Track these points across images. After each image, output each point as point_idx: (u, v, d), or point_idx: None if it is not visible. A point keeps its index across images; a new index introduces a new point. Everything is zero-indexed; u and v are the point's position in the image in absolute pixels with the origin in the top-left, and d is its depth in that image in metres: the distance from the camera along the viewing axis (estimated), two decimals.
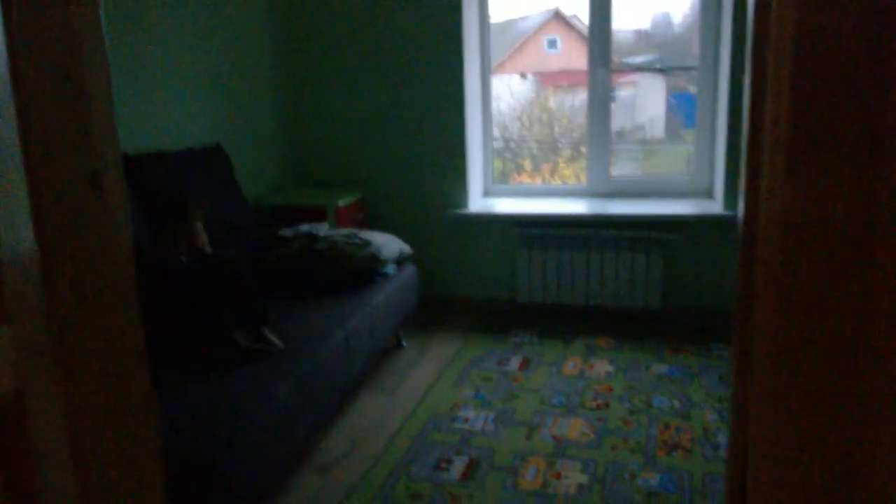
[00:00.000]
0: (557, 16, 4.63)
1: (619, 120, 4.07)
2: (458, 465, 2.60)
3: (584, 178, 4.33)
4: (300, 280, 3.18)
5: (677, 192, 4.05)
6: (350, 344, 2.81)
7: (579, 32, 4.66)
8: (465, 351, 3.63)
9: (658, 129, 4.59)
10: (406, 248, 3.59)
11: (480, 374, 3.34)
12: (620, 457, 2.61)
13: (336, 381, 2.69)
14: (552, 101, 4.72)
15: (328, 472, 2.59)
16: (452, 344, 3.74)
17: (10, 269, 0.73)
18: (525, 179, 4.56)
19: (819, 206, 0.76)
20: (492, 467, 2.57)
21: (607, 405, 2.99)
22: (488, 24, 4.17)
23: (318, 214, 3.76)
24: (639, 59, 4.37)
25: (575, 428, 2.82)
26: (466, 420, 2.92)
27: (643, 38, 4.38)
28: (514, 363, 3.46)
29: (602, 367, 3.37)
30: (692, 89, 4.27)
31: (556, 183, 4.48)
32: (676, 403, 2.99)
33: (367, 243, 3.27)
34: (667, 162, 4.61)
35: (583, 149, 4.39)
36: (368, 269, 3.25)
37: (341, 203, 3.87)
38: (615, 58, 4.00)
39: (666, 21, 4.35)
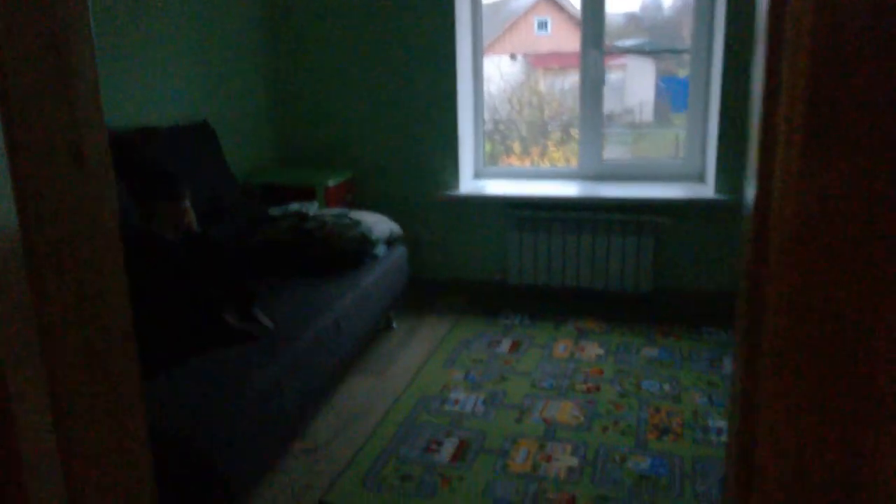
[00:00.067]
0: None
1: (608, 103, 4.05)
2: (448, 446, 2.58)
3: (573, 161, 4.30)
4: (289, 260, 3.14)
5: (668, 176, 4.03)
6: (340, 325, 2.78)
7: (570, 14, 4.62)
8: (456, 333, 3.61)
9: (647, 113, 4.57)
10: (396, 228, 3.56)
11: (471, 356, 3.33)
12: (611, 440, 2.61)
13: (325, 363, 2.67)
14: (542, 84, 4.68)
15: (317, 454, 2.57)
16: (442, 326, 3.72)
17: None
18: (514, 162, 4.53)
19: (835, 200, 0.74)
20: (482, 449, 2.56)
21: (598, 388, 2.99)
22: (480, 3, 4.12)
23: (307, 193, 3.72)
24: (628, 43, 4.33)
25: (565, 411, 2.82)
26: (456, 402, 2.90)
27: (633, 21, 4.34)
28: (505, 345, 3.44)
29: (593, 349, 3.37)
30: (681, 73, 4.24)
31: (546, 166, 4.45)
32: (667, 387, 2.99)
33: (358, 223, 3.24)
34: (655, 146, 4.60)
35: (572, 131, 4.36)
36: (359, 250, 3.22)
37: (331, 182, 3.82)
38: (605, 41, 3.96)
39: (656, 4, 4.32)
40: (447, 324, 3.74)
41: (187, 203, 2.54)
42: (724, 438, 2.59)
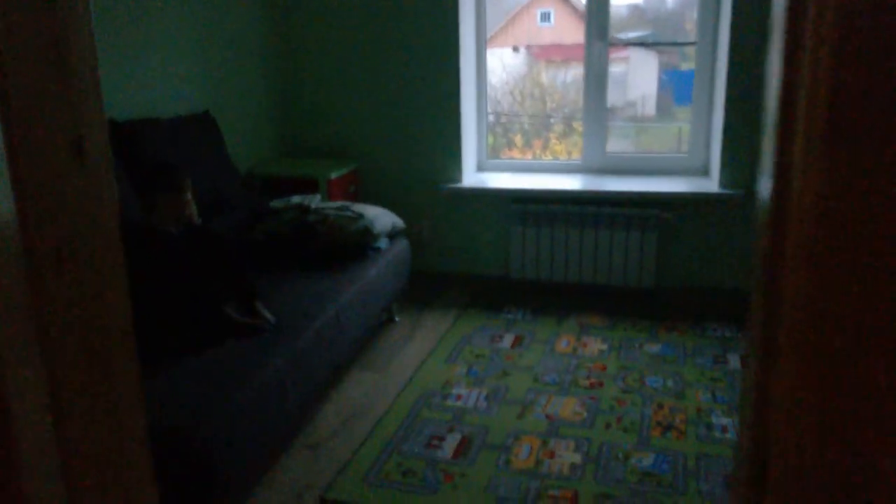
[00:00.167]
0: None
1: (610, 96, 4.02)
2: (451, 442, 2.57)
3: (575, 154, 4.28)
4: (291, 253, 3.12)
5: (671, 170, 4.00)
6: (341, 319, 2.76)
7: (573, 6, 4.59)
8: (458, 327, 3.59)
9: (649, 107, 4.54)
10: (399, 221, 3.53)
11: (473, 351, 3.31)
12: (614, 436, 2.59)
13: (327, 357, 2.65)
14: (544, 76, 4.65)
15: (319, 449, 2.56)
16: (445, 320, 3.70)
17: None
18: (516, 155, 4.51)
19: (858, 193, 0.72)
20: (484, 445, 2.55)
21: (601, 384, 2.97)
22: None
23: (309, 186, 3.69)
24: (631, 35, 4.30)
25: (568, 407, 2.80)
26: (459, 397, 2.89)
27: (636, 13, 4.31)
28: (507, 340, 3.43)
29: (595, 345, 3.35)
30: (684, 66, 4.22)
31: (548, 158, 4.43)
32: (670, 383, 2.97)
33: (360, 216, 3.21)
34: (657, 139, 4.57)
35: (575, 124, 4.34)
36: (361, 243, 3.20)
37: (333, 175, 3.80)
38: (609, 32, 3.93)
39: None
40: (449, 318, 3.72)
41: (188, 195, 2.51)
42: (728, 436, 2.58)
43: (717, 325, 3.55)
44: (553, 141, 4.55)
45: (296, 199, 3.36)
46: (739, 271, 3.76)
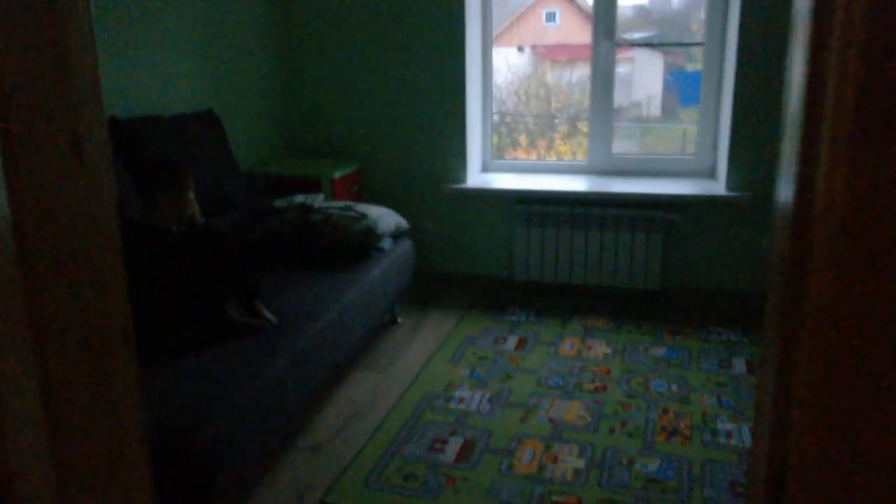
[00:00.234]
0: None
1: (615, 97, 3.99)
2: (453, 445, 2.54)
3: (580, 155, 4.25)
4: (293, 253, 3.10)
5: (677, 172, 3.97)
6: (344, 319, 2.74)
7: (578, 6, 4.56)
8: (461, 328, 3.57)
9: (654, 108, 4.51)
10: (402, 221, 3.51)
11: (476, 353, 3.28)
12: (618, 441, 2.56)
13: (329, 358, 2.62)
14: (549, 76, 4.62)
15: (320, 451, 2.53)
16: (448, 321, 3.67)
17: None
18: (520, 155, 4.48)
19: (888, 196, 0.70)
20: (487, 449, 2.52)
21: (605, 388, 2.94)
22: None
23: (312, 185, 3.67)
24: (637, 35, 4.27)
25: (572, 410, 2.77)
26: (461, 400, 2.86)
27: (642, 14, 4.28)
28: (511, 342, 3.40)
29: (600, 348, 3.32)
30: (690, 67, 4.19)
31: (552, 159, 4.40)
32: (675, 387, 2.94)
33: (364, 216, 3.19)
34: (661, 140, 4.54)
35: (580, 125, 4.31)
36: (364, 243, 3.17)
37: (337, 174, 3.77)
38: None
39: None
40: (453, 319, 3.69)
41: (190, 194, 2.49)
42: (733, 441, 2.55)
43: (723, 328, 3.52)
44: (557, 141, 4.53)
45: (299, 198, 3.33)
46: (745, 274, 3.73)
